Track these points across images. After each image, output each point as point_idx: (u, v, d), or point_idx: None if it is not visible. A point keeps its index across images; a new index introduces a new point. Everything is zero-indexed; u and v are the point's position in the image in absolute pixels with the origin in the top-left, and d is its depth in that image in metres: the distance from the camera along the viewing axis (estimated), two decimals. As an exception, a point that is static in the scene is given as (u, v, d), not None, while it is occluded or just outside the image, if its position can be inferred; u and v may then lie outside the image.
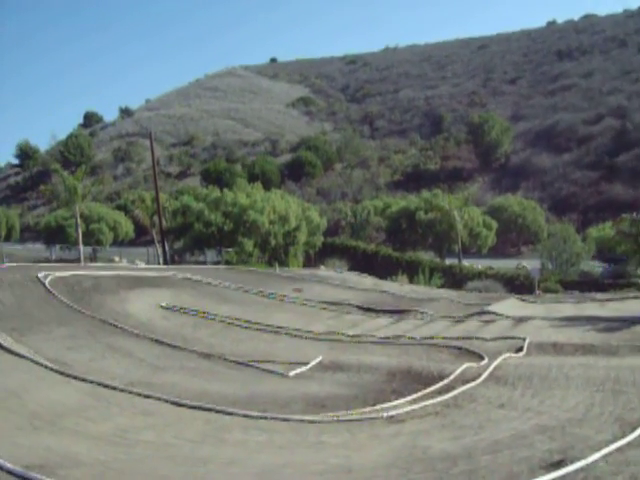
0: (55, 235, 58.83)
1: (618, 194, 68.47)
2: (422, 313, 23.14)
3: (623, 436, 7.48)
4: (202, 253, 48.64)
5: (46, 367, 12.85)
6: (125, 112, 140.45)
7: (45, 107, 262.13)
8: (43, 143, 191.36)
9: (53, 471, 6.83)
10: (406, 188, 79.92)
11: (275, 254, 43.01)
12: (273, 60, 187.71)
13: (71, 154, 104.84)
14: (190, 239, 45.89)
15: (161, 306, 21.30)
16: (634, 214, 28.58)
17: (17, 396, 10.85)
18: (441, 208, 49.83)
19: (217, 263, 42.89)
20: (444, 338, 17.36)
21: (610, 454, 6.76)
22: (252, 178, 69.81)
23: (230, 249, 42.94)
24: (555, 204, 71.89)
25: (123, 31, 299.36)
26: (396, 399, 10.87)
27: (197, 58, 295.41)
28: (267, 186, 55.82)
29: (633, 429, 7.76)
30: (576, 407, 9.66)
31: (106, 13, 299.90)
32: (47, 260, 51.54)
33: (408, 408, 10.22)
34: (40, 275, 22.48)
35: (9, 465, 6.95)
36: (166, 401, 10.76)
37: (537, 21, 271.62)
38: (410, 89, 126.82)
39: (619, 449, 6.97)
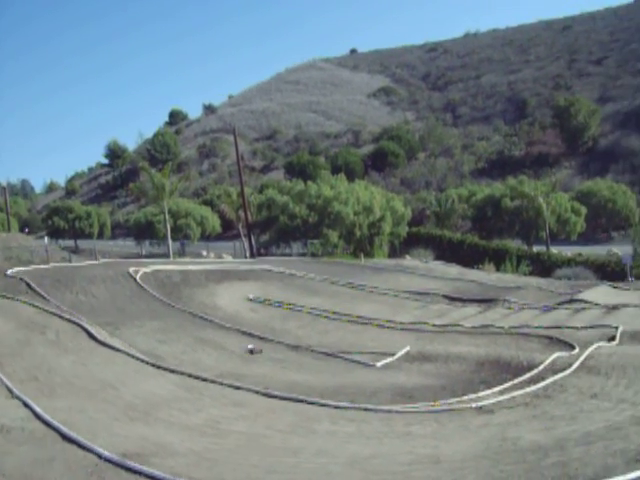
0: (145, 231, 60.50)
1: None
2: (510, 302, 22.78)
3: None
4: (288, 246, 49.04)
5: (140, 360, 13.26)
6: (209, 109, 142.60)
7: (132, 107, 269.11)
8: (131, 142, 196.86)
9: (148, 460, 7.08)
10: (491, 175, 78.70)
11: (360, 245, 43.00)
12: (353, 51, 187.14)
13: (158, 152, 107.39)
14: (275, 232, 46.36)
15: (249, 299, 21.66)
16: None
17: (113, 388, 11.24)
18: (527, 195, 48.86)
19: (303, 255, 43.21)
20: (534, 327, 17.03)
21: None
22: (335, 170, 69.77)
23: (315, 241, 43.16)
24: (647, 187, 69.34)
25: (207, 32, 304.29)
26: (485, 389, 10.78)
27: (277, 52, 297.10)
28: (351, 177, 55.56)
29: None
30: (673, 397, 9.38)
31: (197, 19, 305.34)
32: (138, 255, 52.98)
33: (497, 398, 10.11)
34: (131, 270, 23.19)
35: (107, 453, 7.25)
36: (256, 392, 10.95)
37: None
38: (492, 74, 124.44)
39: None
